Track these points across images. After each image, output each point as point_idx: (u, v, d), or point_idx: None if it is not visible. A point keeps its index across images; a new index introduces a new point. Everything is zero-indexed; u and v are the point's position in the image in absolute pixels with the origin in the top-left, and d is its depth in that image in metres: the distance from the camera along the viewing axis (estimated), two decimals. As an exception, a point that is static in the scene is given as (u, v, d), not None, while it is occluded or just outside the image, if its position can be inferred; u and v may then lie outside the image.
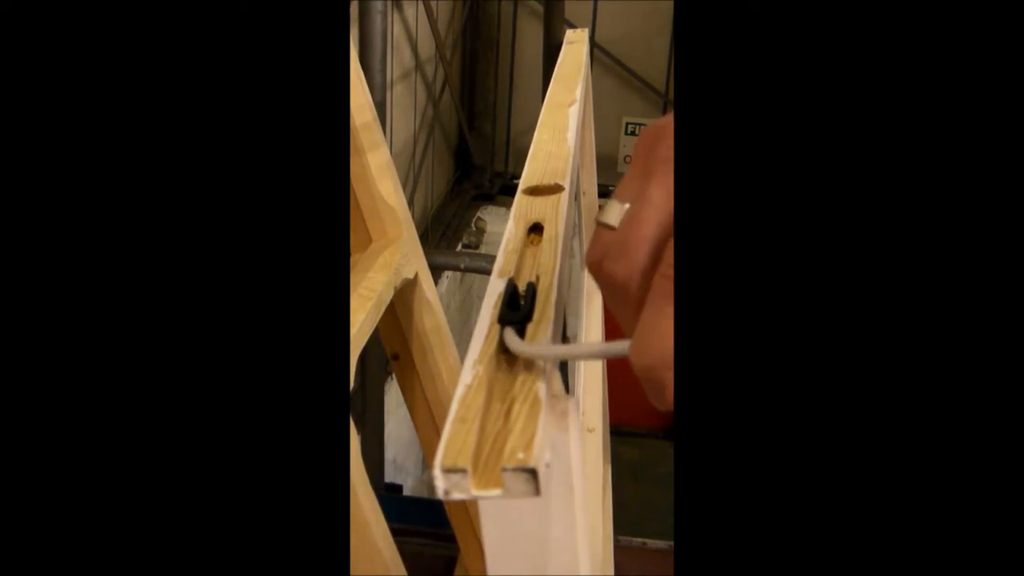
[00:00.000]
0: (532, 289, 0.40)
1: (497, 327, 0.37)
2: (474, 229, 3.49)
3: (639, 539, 1.28)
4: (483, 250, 3.34)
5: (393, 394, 2.21)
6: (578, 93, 0.75)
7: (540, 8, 3.26)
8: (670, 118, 0.34)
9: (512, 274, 0.41)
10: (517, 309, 0.38)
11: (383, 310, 0.59)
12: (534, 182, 0.53)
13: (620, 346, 0.34)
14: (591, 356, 0.98)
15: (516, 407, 0.32)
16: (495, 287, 0.40)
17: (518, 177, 0.55)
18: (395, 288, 0.63)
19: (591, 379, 1.02)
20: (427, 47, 3.00)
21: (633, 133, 3.78)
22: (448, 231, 3.30)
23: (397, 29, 2.63)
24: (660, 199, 0.33)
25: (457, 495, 0.29)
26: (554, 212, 0.49)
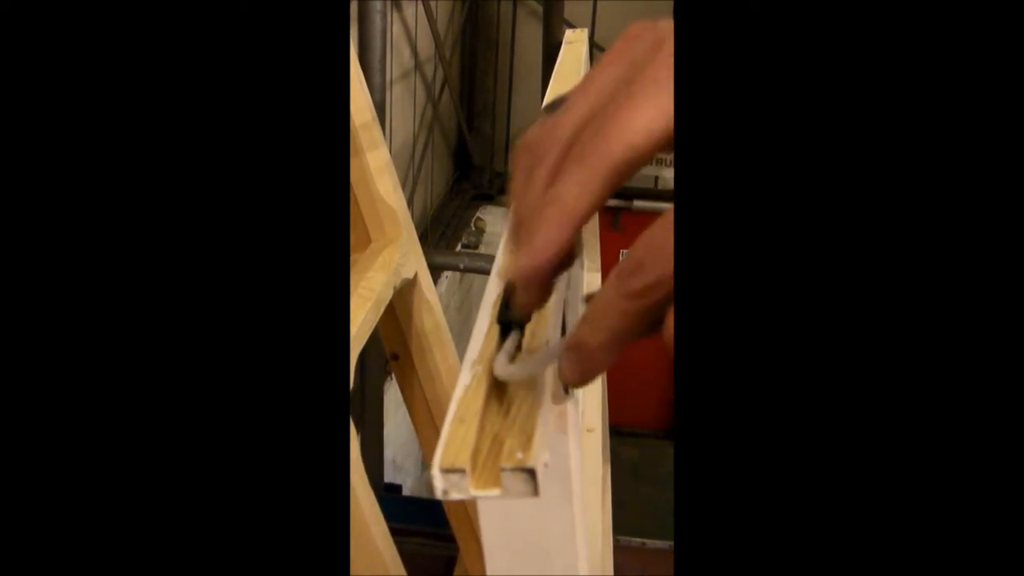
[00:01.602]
0: None
1: (496, 327, 0.37)
2: (474, 229, 3.49)
3: (639, 539, 1.28)
4: (483, 250, 3.33)
5: (393, 394, 2.21)
6: (577, 93, 0.75)
7: (539, 8, 3.26)
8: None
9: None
10: None
11: (382, 310, 0.59)
12: None
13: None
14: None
15: (515, 407, 0.32)
16: (494, 287, 0.40)
17: (518, 177, 0.55)
18: (394, 288, 0.63)
19: (591, 379, 1.02)
20: (426, 47, 3.00)
21: (633, 133, 3.76)
22: (447, 231, 3.29)
23: (396, 29, 2.63)
24: (598, 87, 0.32)
25: (456, 495, 0.29)
26: None
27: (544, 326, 0.37)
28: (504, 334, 0.37)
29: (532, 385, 0.34)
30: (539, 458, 0.29)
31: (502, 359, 0.35)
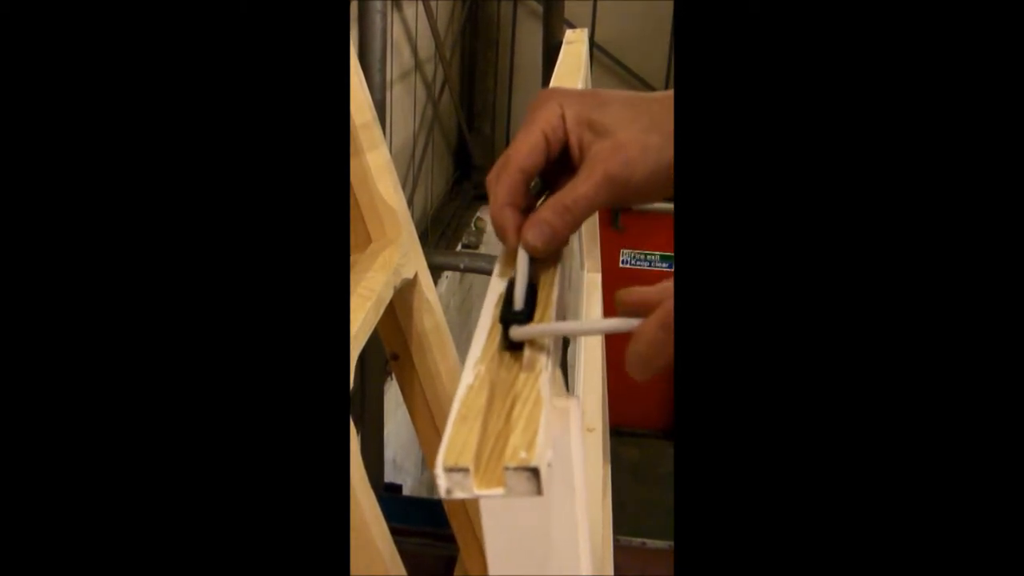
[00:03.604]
0: (533, 289, 0.40)
1: (499, 327, 0.37)
2: (474, 229, 3.49)
3: (639, 539, 1.27)
4: (483, 250, 3.33)
5: (393, 394, 2.21)
6: (577, 93, 0.75)
7: (540, 8, 3.26)
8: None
9: (513, 275, 0.41)
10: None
11: (383, 310, 0.59)
12: None
13: (620, 323, 0.35)
14: (591, 332, 0.98)
15: (518, 406, 0.32)
16: (496, 287, 0.40)
17: (518, 177, 0.55)
18: (394, 288, 0.63)
19: (591, 379, 1.02)
20: (426, 47, 3.00)
21: (632, 133, 3.75)
22: (448, 231, 3.29)
23: (396, 29, 2.63)
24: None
25: (459, 494, 0.29)
26: None
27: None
28: (506, 333, 0.37)
29: (543, 345, 0.36)
30: (543, 457, 0.29)
31: (515, 326, 0.36)
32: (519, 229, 0.42)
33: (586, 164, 0.43)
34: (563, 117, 0.44)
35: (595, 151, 0.43)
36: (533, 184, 0.46)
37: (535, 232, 0.42)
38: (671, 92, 0.44)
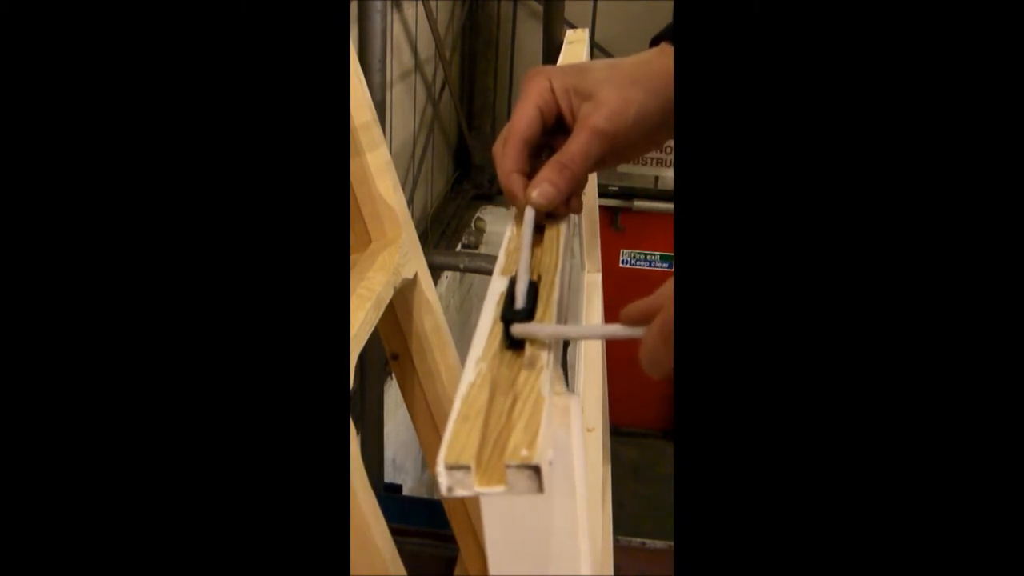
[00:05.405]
0: (534, 287, 0.40)
1: (500, 325, 0.37)
2: (474, 229, 3.49)
3: (639, 539, 1.27)
4: (483, 250, 3.33)
5: (393, 394, 2.21)
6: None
7: (540, 8, 3.26)
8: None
9: (514, 273, 0.41)
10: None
11: (382, 310, 0.59)
12: None
13: (622, 330, 0.35)
14: (593, 337, 0.99)
15: (519, 404, 0.32)
16: (497, 286, 0.40)
17: (518, 177, 0.56)
18: (394, 288, 0.63)
19: (591, 379, 1.02)
20: (427, 47, 3.00)
21: (632, 133, 3.76)
22: (448, 231, 3.29)
23: (396, 29, 2.63)
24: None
25: (460, 492, 0.29)
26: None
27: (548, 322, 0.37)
28: (507, 332, 0.37)
29: (545, 345, 0.36)
30: (544, 455, 0.29)
31: (516, 324, 0.37)
32: (526, 191, 0.47)
33: (576, 125, 0.48)
34: (552, 89, 0.49)
35: (583, 112, 0.49)
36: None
37: (539, 190, 0.47)
38: (644, 53, 0.51)
